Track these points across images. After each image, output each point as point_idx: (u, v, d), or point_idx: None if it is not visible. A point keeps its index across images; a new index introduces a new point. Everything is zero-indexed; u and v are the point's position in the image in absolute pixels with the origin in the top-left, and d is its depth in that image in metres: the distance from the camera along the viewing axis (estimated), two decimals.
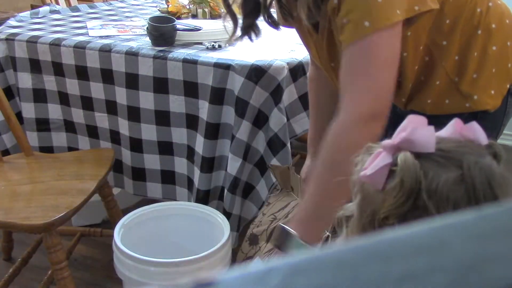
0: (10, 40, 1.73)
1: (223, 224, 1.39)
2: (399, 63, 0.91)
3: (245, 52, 1.54)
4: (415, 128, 0.55)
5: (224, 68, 1.45)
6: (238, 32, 1.09)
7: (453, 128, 0.58)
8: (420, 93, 1.05)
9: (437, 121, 1.12)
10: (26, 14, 2.06)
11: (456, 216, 0.25)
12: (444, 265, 0.22)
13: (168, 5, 2.12)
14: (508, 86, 1.02)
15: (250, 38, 1.11)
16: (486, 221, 0.25)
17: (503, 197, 0.53)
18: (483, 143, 0.57)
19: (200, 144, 1.54)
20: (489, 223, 0.24)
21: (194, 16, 2.09)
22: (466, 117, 1.03)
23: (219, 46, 1.61)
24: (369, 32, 0.86)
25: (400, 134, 0.56)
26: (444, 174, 0.53)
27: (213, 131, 1.51)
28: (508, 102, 1.04)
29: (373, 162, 0.56)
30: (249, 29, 1.09)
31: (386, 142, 0.56)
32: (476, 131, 0.58)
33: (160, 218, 1.48)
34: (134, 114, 1.61)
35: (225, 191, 1.52)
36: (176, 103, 1.56)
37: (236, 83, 1.43)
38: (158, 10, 2.18)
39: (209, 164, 1.54)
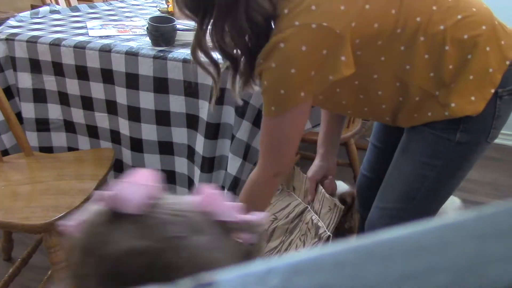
0: (10, 40, 1.73)
1: None
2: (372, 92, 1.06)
3: None
4: (124, 187, 0.49)
5: (224, 68, 1.45)
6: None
7: (198, 198, 0.52)
8: (403, 111, 1.09)
9: (420, 131, 1.13)
10: (26, 14, 2.06)
11: (456, 216, 0.25)
12: (444, 265, 0.22)
13: (168, 5, 2.12)
14: (492, 90, 1.03)
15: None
16: (486, 221, 0.25)
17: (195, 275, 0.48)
18: (216, 218, 0.50)
19: (200, 144, 1.54)
20: (489, 223, 0.24)
21: None
22: (448, 123, 1.05)
23: None
24: (274, 115, 1.02)
25: (112, 190, 0.50)
26: (131, 241, 0.47)
27: (213, 131, 1.51)
28: (498, 106, 1.04)
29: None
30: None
31: (99, 193, 0.51)
32: (216, 206, 0.50)
33: None
34: (134, 114, 1.61)
35: (225, 191, 1.52)
36: (177, 103, 1.56)
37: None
38: (158, 10, 2.18)
39: (210, 164, 1.54)
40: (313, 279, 0.22)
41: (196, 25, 1.02)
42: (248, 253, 0.52)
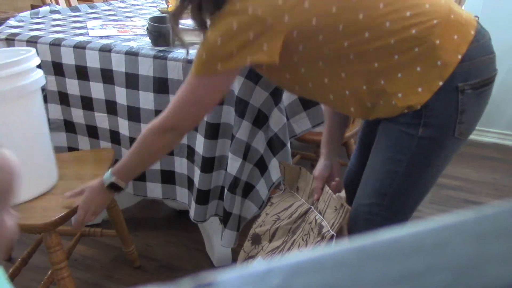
0: (10, 40, 1.73)
1: (29, 50, 1.40)
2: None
3: None
4: None
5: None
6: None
7: None
8: (363, 100, 1.12)
9: (386, 126, 1.14)
10: (26, 14, 2.06)
11: (456, 216, 0.25)
12: (444, 265, 0.22)
13: (168, 5, 2.12)
14: (440, 83, 1.04)
15: None
16: (486, 221, 0.25)
17: None
18: None
19: (200, 144, 1.54)
20: (489, 223, 0.24)
21: None
22: (411, 118, 1.06)
23: None
24: (193, 75, 1.12)
25: None
26: None
27: (213, 131, 1.51)
28: (460, 101, 1.05)
29: None
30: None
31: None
32: None
33: None
34: (134, 114, 1.61)
35: (225, 191, 1.52)
36: None
37: (236, 83, 1.43)
38: (158, 10, 2.18)
39: (210, 164, 1.54)
40: (313, 279, 0.22)
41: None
42: None
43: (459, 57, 1.03)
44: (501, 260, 0.22)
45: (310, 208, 1.34)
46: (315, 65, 1.09)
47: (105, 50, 1.60)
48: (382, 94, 1.08)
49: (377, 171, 1.17)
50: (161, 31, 1.61)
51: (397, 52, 1.04)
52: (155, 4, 2.41)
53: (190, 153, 1.61)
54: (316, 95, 1.20)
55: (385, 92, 1.08)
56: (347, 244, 0.24)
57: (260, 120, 1.46)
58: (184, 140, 1.61)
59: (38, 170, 1.41)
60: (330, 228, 1.21)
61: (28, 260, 1.69)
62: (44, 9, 2.16)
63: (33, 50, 1.36)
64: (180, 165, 1.65)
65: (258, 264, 0.23)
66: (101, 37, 1.73)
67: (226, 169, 1.52)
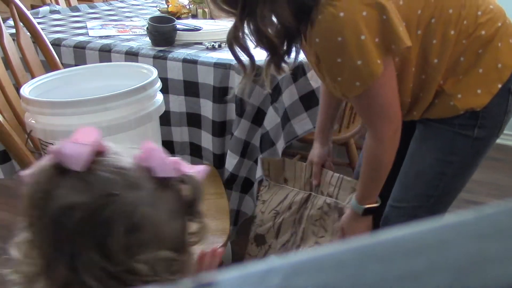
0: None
1: (151, 69, 1.29)
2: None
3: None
4: (70, 144, 0.51)
5: (224, 67, 1.45)
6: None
7: (138, 154, 0.54)
8: (419, 104, 1.10)
9: (436, 128, 1.13)
10: None
11: (456, 216, 0.25)
12: (444, 265, 0.22)
13: (168, 5, 2.12)
14: (499, 85, 1.05)
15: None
16: (486, 221, 0.25)
17: (139, 233, 0.50)
18: (158, 174, 0.53)
19: (209, 141, 1.55)
20: (489, 223, 0.24)
21: (194, 16, 2.09)
22: (467, 119, 1.06)
23: (219, 46, 1.61)
24: (362, 91, 0.99)
25: (59, 147, 0.52)
26: (71, 196, 0.50)
27: (220, 129, 1.51)
28: (509, 101, 1.07)
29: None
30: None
31: (51, 148, 0.53)
32: (152, 161, 0.53)
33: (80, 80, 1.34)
34: None
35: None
36: (176, 103, 1.56)
37: (236, 82, 1.43)
38: (158, 10, 2.18)
39: (220, 159, 1.55)
40: (313, 279, 0.22)
41: (235, 18, 0.97)
42: (189, 206, 0.56)
43: None
44: (501, 260, 0.22)
45: (310, 194, 1.34)
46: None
47: (105, 50, 1.60)
48: (440, 94, 1.07)
49: (423, 174, 1.16)
50: (161, 31, 1.61)
51: (465, 52, 1.03)
52: (155, 4, 2.41)
53: (194, 149, 1.62)
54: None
55: (443, 92, 1.06)
56: (347, 244, 0.24)
57: (260, 118, 1.46)
58: (186, 138, 1.61)
59: None
60: None
61: None
62: (44, 9, 2.16)
63: (155, 71, 1.24)
64: None
65: (258, 264, 0.23)
66: (101, 37, 1.73)
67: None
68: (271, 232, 1.37)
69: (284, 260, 0.23)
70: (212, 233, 1.23)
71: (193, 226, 0.57)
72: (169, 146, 1.64)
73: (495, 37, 1.03)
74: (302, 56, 1.54)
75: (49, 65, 1.56)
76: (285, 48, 1.02)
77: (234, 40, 1.00)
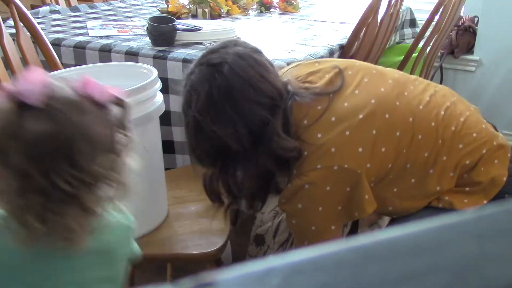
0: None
1: (151, 69, 1.27)
2: None
3: None
4: (23, 81, 0.63)
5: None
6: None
7: (80, 85, 0.68)
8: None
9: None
10: None
11: (456, 216, 0.25)
12: (444, 265, 0.22)
13: (168, 5, 2.12)
14: (484, 201, 1.05)
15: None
16: (486, 221, 0.25)
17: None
18: (97, 99, 0.67)
19: None
20: (489, 223, 0.24)
21: (194, 16, 2.09)
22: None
23: None
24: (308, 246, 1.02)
25: (13, 87, 0.63)
26: (38, 125, 0.62)
27: None
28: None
29: None
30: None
31: (6, 87, 0.64)
32: (90, 89, 0.67)
33: None
34: None
35: None
36: (176, 103, 1.56)
37: None
38: (158, 10, 2.18)
39: None
40: (313, 279, 0.22)
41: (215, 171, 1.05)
42: (120, 121, 0.70)
43: (504, 179, 1.04)
44: (501, 260, 0.22)
45: None
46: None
47: (105, 50, 1.60)
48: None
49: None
50: (161, 31, 1.61)
51: (452, 179, 1.05)
52: (155, 4, 2.41)
53: None
54: None
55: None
56: (347, 244, 0.24)
57: None
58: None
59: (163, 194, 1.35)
60: None
61: None
62: (44, 9, 2.16)
63: (155, 71, 1.24)
64: (182, 162, 1.66)
65: (258, 264, 0.23)
66: (101, 37, 1.73)
67: None
68: (269, 232, 1.37)
69: (284, 260, 0.23)
70: (212, 233, 1.23)
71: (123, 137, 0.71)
72: (169, 146, 1.64)
73: (479, 163, 1.04)
74: (301, 56, 1.54)
75: (49, 65, 1.56)
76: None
77: (212, 190, 1.09)
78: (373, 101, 0.99)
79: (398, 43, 2.37)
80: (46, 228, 0.64)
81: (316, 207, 0.99)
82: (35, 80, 0.62)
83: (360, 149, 0.97)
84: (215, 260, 1.22)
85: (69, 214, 0.65)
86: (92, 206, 0.67)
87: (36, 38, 1.57)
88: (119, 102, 0.71)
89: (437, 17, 1.96)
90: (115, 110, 0.70)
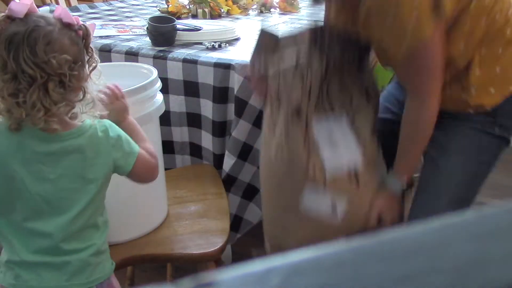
0: None
1: (151, 69, 1.26)
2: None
3: (245, 51, 1.54)
4: (15, 2, 0.86)
5: (224, 67, 1.45)
6: None
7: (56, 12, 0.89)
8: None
9: (458, 128, 1.12)
10: None
11: (456, 216, 0.25)
12: (444, 265, 0.22)
13: (168, 5, 2.12)
14: (511, 88, 1.04)
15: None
16: (486, 221, 0.25)
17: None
18: (64, 20, 0.88)
19: (209, 141, 1.54)
20: (489, 223, 0.24)
21: (194, 16, 2.09)
22: (484, 117, 1.06)
23: (219, 46, 1.61)
24: (410, 51, 0.98)
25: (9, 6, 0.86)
26: (15, 28, 0.84)
27: (221, 129, 1.51)
28: None
29: None
30: None
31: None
32: (60, 14, 0.88)
33: None
34: None
35: None
36: (176, 103, 1.56)
37: (235, 82, 1.43)
38: (158, 10, 2.18)
39: (220, 159, 1.55)
40: (313, 279, 0.22)
41: None
42: (84, 42, 0.91)
43: None
44: (501, 260, 0.22)
45: None
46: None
47: (105, 50, 1.60)
48: (455, 81, 1.06)
49: (455, 178, 1.13)
50: (161, 31, 1.61)
51: (488, 46, 1.03)
52: (155, 4, 2.41)
53: (194, 149, 1.61)
54: None
55: (459, 84, 1.06)
56: (347, 244, 0.24)
57: (260, 121, 1.46)
58: (186, 138, 1.61)
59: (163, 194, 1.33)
60: None
61: None
62: (44, 9, 2.16)
63: (155, 71, 1.23)
64: (181, 163, 1.66)
65: (258, 264, 0.23)
66: (101, 37, 1.73)
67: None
68: None
69: (284, 260, 0.23)
70: (212, 233, 1.23)
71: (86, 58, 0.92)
72: (169, 146, 1.64)
73: None
74: None
75: None
76: None
77: None
78: None
79: None
80: (22, 110, 0.84)
81: (410, 16, 0.93)
82: (23, 2, 0.86)
83: None
84: (215, 260, 1.22)
85: (36, 96, 0.83)
86: (55, 94, 0.84)
87: None
88: (83, 27, 0.90)
89: None
90: (81, 33, 0.90)
